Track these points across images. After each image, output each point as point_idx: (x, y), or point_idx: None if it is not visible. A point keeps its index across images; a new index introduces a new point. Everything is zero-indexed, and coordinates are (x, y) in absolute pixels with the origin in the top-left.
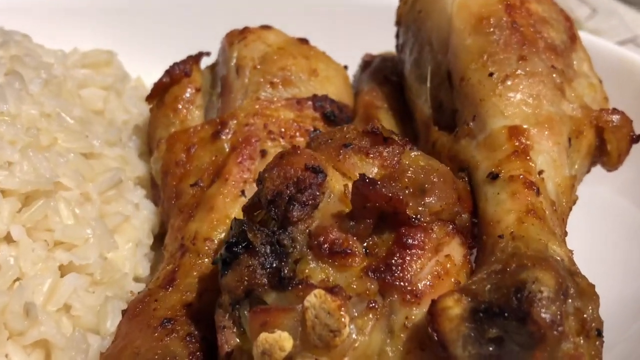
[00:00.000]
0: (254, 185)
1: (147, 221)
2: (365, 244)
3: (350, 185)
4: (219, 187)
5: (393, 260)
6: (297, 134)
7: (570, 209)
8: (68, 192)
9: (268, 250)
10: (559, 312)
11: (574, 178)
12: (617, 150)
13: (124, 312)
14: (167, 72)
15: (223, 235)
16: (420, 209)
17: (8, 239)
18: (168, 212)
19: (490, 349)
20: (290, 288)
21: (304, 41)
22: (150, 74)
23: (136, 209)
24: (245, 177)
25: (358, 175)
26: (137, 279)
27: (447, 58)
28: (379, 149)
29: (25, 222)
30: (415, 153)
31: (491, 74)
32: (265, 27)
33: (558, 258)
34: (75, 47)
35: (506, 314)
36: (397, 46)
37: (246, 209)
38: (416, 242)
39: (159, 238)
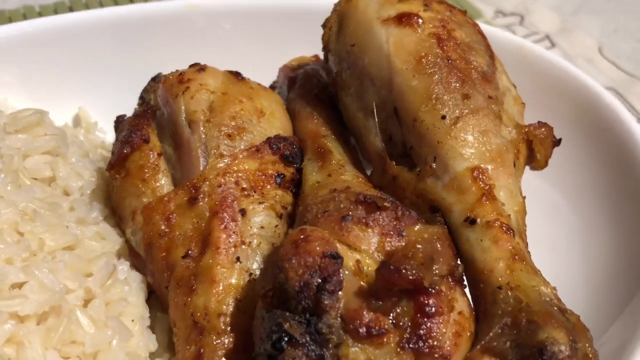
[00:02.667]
0: (243, 247)
1: (140, 293)
2: (390, 317)
3: (359, 258)
4: (213, 257)
5: (421, 331)
6: (265, 183)
7: (525, 226)
8: (72, 294)
9: (308, 339)
10: None
11: (524, 198)
12: (545, 156)
13: None
14: (127, 143)
15: (232, 307)
16: (434, 278)
17: None
18: (161, 284)
19: None
20: None
21: (237, 75)
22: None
23: (128, 285)
24: (234, 241)
25: (364, 248)
26: (152, 356)
27: (392, 95)
28: (376, 217)
29: (57, 344)
30: (419, 227)
31: (444, 117)
32: (200, 69)
33: (548, 299)
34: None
35: None
36: (328, 70)
37: (264, 295)
38: (435, 309)
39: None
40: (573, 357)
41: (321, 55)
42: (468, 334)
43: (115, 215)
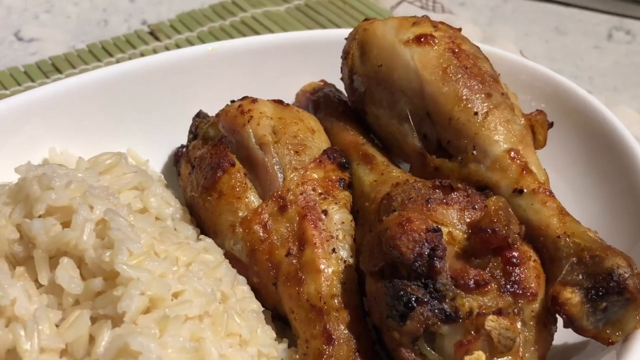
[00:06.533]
0: (333, 240)
1: (252, 292)
2: (486, 271)
3: (449, 230)
4: (313, 252)
5: (513, 278)
6: (333, 187)
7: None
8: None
9: (430, 297)
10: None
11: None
12: (544, 137)
13: None
14: (220, 168)
15: (340, 289)
16: (514, 236)
17: None
18: (267, 282)
19: (601, 315)
20: (460, 320)
21: (282, 102)
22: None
23: (244, 285)
24: (326, 237)
25: (449, 222)
26: None
27: (424, 102)
28: (453, 196)
29: (223, 337)
30: (495, 197)
31: (476, 113)
32: (253, 100)
33: (598, 239)
34: (79, 157)
35: (609, 292)
36: (352, 90)
37: (374, 272)
38: (520, 260)
39: None
40: (635, 275)
41: (330, 80)
42: (544, 275)
43: (210, 232)
